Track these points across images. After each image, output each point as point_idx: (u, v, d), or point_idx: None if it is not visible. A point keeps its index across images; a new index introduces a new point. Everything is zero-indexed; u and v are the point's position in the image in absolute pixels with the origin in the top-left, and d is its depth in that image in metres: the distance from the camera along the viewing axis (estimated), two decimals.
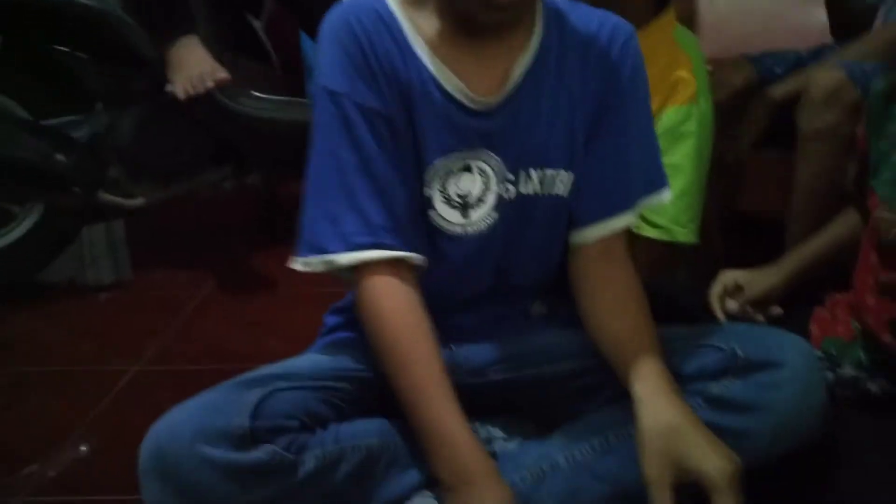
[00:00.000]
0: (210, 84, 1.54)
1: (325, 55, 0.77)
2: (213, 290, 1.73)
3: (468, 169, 0.79)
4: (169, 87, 1.58)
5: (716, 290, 1.06)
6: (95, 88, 1.72)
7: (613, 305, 0.82)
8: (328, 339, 0.91)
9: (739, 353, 0.76)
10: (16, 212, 1.72)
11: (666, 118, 1.17)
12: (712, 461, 0.67)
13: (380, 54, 0.76)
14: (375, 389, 0.81)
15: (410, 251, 0.77)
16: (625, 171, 0.84)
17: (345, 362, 0.82)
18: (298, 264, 0.77)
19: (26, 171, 1.58)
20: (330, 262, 0.75)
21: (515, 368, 0.86)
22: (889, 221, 0.86)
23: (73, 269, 1.91)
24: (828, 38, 1.62)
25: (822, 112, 1.24)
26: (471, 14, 0.76)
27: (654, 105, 1.17)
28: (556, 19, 0.82)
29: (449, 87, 0.77)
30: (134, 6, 1.58)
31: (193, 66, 1.55)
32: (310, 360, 0.84)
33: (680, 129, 1.16)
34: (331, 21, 0.78)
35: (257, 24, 1.90)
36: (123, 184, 1.73)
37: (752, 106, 1.40)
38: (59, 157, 1.59)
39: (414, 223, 0.79)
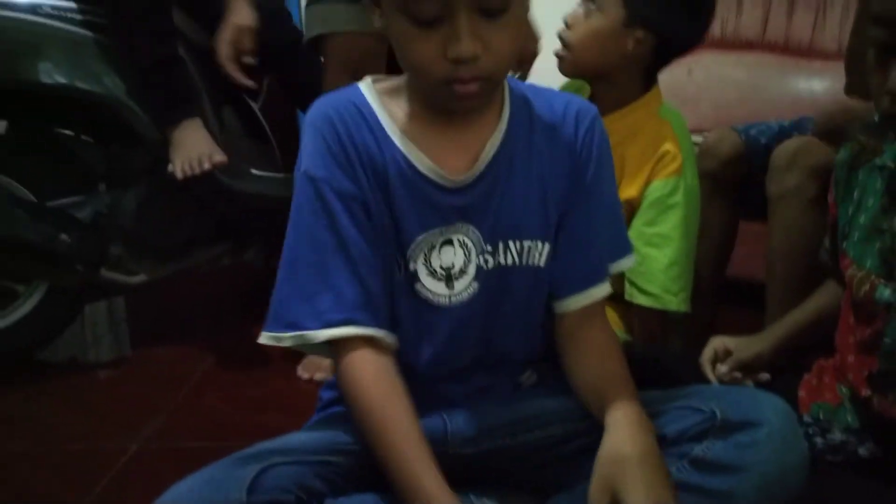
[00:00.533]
0: (207, 166, 1.58)
1: (306, 144, 0.82)
2: (213, 365, 1.73)
3: (450, 242, 0.83)
4: (170, 168, 1.63)
5: (706, 354, 1.09)
6: (98, 169, 1.76)
7: (595, 360, 0.87)
8: (324, 413, 0.93)
9: (718, 413, 0.78)
10: (20, 291, 1.74)
11: (653, 189, 1.22)
12: (637, 498, 0.71)
13: (357, 143, 0.81)
14: (369, 463, 0.81)
15: (383, 328, 0.80)
16: (598, 244, 0.89)
17: (339, 437, 0.83)
18: (266, 339, 0.80)
19: (31, 252, 1.62)
20: (302, 338, 0.79)
21: (508, 435, 0.87)
22: (859, 279, 0.91)
23: (74, 347, 1.92)
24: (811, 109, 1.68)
25: (785, 175, 1.32)
26: (438, 102, 0.81)
27: (641, 177, 1.23)
28: (523, 103, 0.87)
29: (423, 169, 0.82)
30: (140, 91, 1.64)
31: (192, 148, 1.60)
32: (305, 435, 0.85)
33: (667, 200, 1.22)
34: (312, 113, 0.83)
35: (255, 106, 1.97)
36: (125, 261, 1.75)
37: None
38: (63, 237, 1.62)
39: (388, 302, 0.83)
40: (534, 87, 0.90)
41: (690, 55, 2.31)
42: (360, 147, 0.81)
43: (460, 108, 0.81)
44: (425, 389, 0.82)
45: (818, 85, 2.16)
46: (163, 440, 1.40)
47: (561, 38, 1.23)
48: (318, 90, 1.79)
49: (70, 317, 1.82)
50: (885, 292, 0.88)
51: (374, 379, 0.79)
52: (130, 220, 1.73)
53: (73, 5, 1.63)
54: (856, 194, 0.95)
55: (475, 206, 0.83)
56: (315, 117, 0.82)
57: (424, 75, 0.77)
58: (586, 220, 0.88)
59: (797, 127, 1.56)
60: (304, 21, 1.54)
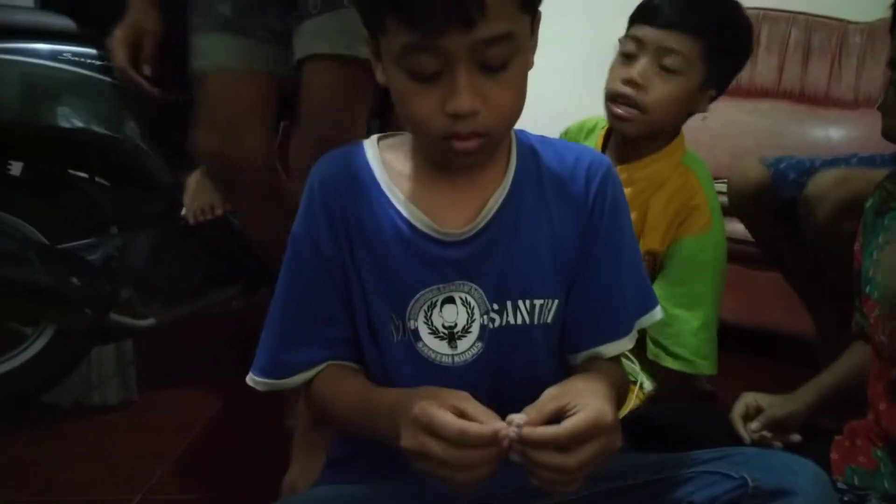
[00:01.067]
0: (220, 212, 1.59)
1: (302, 202, 0.84)
2: (219, 412, 1.71)
3: (451, 301, 0.81)
4: (182, 212, 1.63)
5: (738, 410, 1.05)
6: (111, 212, 1.77)
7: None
8: (332, 472, 0.89)
9: (749, 481, 0.75)
10: (27, 333, 1.73)
11: (684, 248, 1.18)
12: (590, 401, 0.69)
13: (346, 210, 0.81)
14: None
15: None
16: (620, 299, 0.86)
17: (349, 500, 0.81)
18: (248, 380, 0.86)
19: (40, 294, 1.60)
20: (269, 384, 0.84)
21: (522, 500, 0.83)
22: (885, 318, 0.89)
23: (79, 389, 1.90)
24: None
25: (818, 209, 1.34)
26: (438, 158, 0.80)
27: (666, 230, 1.19)
28: (532, 155, 0.85)
29: (418, 224, 0.80)
30: (155, 135, 1.64)
31: (206, 193, 1.60)
32: (313, 498, 0.82)
33: (698, 258, 1.18)
34: (311, 174, 0.84)
35: None
36: (135, 305, 1.74)
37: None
38: (73, 280, 1.62)
39: (354, 355, 0.85)
40: (543, 139, 0.89)
41: None
42: (349, 213, 0.81)
43: (459, 165, 0.80)
44: None
45: (835, 133, 2.15)
46: (166, 491, 1.37)
47: (630, 98, 1.15)
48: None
49: (77, 360, 1.80)
50: None
51: (335, 375, 0.83)
52: (141, 263, 1.73)
53: (92, 51, 1.64)
54: (881, 238, 0.94)
55: (475, 262, 0.81)
56: (313, 179, 0.83)
57: (423, 130, 0.76)
58: (605, 277, 0.85)
59: (830, 164, 1.55)
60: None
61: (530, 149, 0.86)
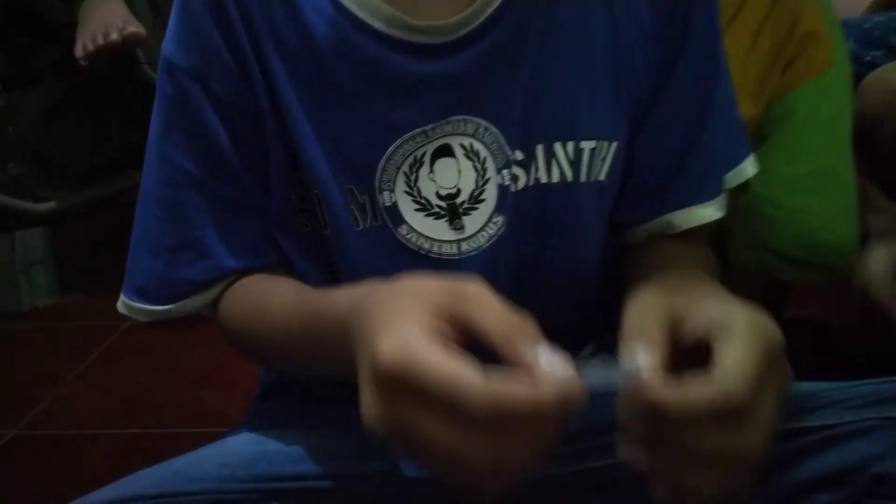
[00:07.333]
0: (116, 38, 1.31)
1: (174, 8, 0.59)
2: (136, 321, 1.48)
3: (447, 151, 0.59)
4: (76, 52, 1.38)
5: (878, 265, 0.88)
6: None
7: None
8: (264, 404, 0.68)
9: None
10: None
11: (801, 107, 0.91)
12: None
13: (253, 12, 0.57)
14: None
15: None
16: (708, 145, 0.65)
17: (275, 463, 0.55)
18: (121, 307, 0.64)
19: None
20: (153, 313, 0.62)
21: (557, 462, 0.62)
22: None
23: None
24: None
25: None
26: None
27: (757, 84, 0.92)
28: None
29: (378, 23, 0.56)
30: None
31: (100, 19, 1.35)
32: (218, 457, 0.54)
33: (821, 115, 0.91)
34: None
35: None
36: (28, 184, 1.52)
37: None
38: None
39: (282, 259, 0.64)
40: None
41: None
42: (259, 18, 0.57)
43: None
44: None
45: None
46: (50, 425, 1.17)
47: None
48: None
49: None
50: None
51: (255, 285, 0.61)
52: (34, 130, 1.51)
53: None
54: None
55: (482, 79, 0.57)
56: None
57: None
58: (691, 113, 0.64)
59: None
60: None
61: None
